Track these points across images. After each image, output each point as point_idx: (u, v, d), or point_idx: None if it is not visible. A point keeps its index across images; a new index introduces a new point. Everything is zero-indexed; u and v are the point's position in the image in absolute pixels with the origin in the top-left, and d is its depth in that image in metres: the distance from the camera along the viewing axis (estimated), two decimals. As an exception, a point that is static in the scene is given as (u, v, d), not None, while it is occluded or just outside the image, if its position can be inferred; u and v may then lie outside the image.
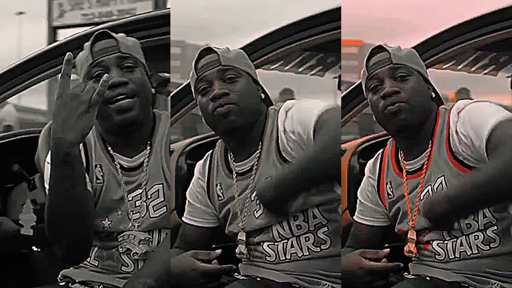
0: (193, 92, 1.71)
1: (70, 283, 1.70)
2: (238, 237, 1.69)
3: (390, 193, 1.71)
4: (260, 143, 1.67)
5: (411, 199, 1.65)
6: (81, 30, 2.15)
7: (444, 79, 2.52)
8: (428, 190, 1.61)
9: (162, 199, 1.66)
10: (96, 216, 1.62)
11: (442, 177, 1.59)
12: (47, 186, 1.55)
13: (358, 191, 1.81)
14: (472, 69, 2.69)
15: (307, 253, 1.63)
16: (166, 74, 2.57)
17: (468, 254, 1.59)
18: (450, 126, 1.59)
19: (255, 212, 1.66)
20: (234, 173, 1.71)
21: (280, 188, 1.55)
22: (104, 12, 13.26)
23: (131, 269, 1.65)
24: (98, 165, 1.67)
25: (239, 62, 1.68)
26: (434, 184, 1.60)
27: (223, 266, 1.63)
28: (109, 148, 1.68)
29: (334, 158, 1.52)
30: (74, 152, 1.42)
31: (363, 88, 1.70)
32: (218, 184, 1.74)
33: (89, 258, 1.68)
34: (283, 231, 1.64)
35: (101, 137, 1.69)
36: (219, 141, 1.78)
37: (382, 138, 2.18)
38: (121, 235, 1.65)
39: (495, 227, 1.57)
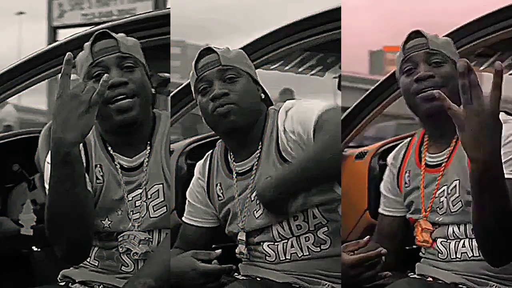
0: (193, 92, 1.71)
1: (70, 283, 1.70)
2: (238, 237, 1.69)
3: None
4: (260, 143, 1.67)
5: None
6: (81, 30, 2.15)
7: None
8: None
9: (162, 199, 1.66)
10: (96, 216, 1.62)
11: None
12: (47, 186, 1.55)
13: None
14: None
15: (307, 253, 1.63)
16: (166, 74, 2.57)
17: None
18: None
19: (255, 212, 1.66)
20: (234, 173, 1.71)
21: (280, 188, 1.56)
22: (104, 12, 13.26)
23: (131, 269, 1.65)
24: (98, 165, 1.67)
25: (239, 62, 1.68)
26: None
27: (223, 266, 1.63)
28: (109, 148, 1.68)
29: (334, 158, 1.53)
30: (74, 152, 1.42)
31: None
32: (218, 184, 1.74)
33: (89, 258, 1.67)
34: (283, 231, 1.64)
35: (101, 137, 1.69)
36: (219, 141, 1.78)
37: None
38: (121, 235, 1.65)
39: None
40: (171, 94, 2.23)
